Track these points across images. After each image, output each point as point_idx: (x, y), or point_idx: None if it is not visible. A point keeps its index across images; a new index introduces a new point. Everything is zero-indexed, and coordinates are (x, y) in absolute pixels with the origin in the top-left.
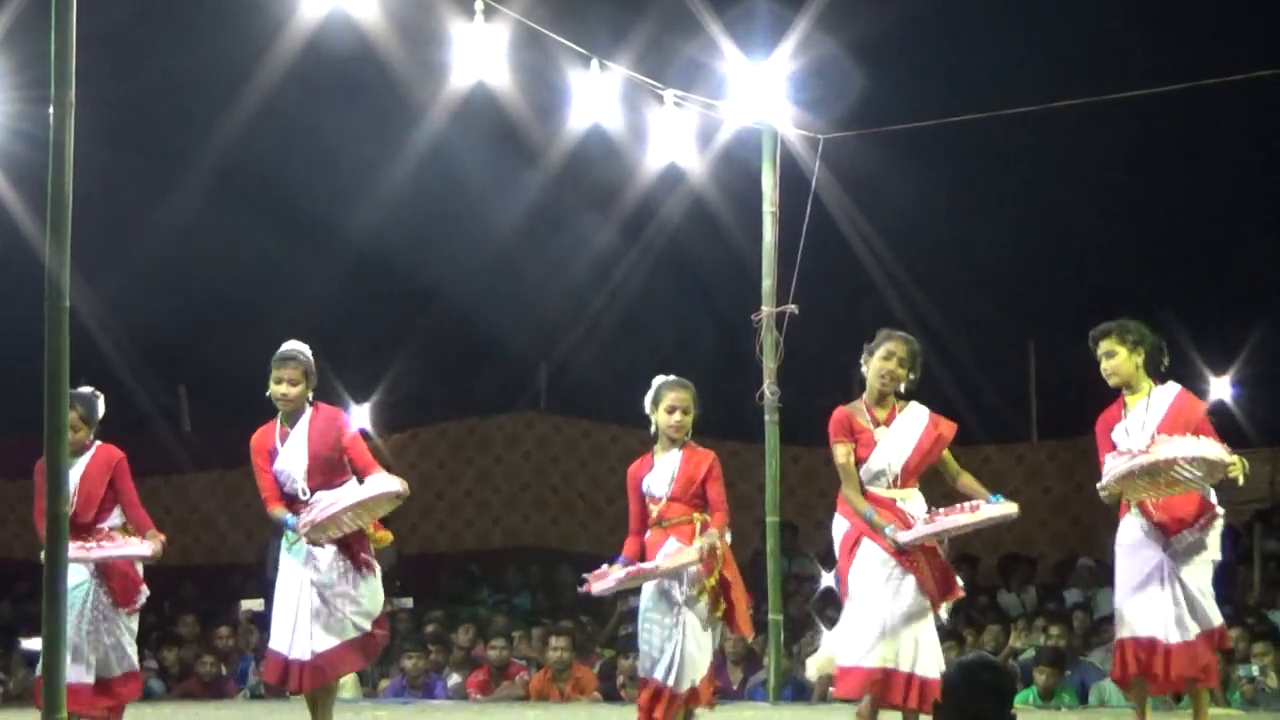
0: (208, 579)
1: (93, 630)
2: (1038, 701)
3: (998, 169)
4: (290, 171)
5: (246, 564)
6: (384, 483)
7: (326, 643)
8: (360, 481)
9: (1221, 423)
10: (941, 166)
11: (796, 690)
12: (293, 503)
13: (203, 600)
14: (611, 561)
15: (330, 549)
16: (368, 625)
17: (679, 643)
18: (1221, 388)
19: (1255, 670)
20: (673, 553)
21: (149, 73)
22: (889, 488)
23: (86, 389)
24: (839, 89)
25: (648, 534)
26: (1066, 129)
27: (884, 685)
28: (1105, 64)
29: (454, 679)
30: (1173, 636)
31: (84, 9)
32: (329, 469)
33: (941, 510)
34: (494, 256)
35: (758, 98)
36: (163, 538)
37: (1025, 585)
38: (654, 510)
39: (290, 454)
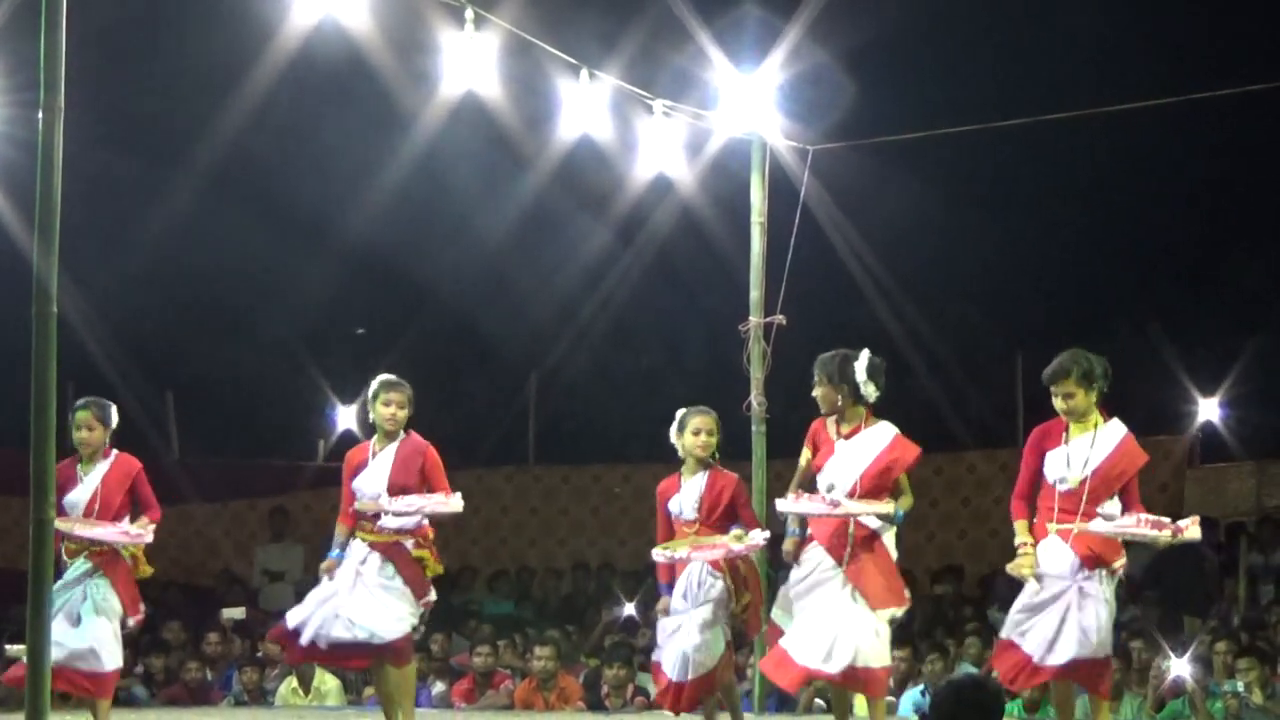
0: (194, 586)
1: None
2: (1023, 714)
3: (987, 181)
4: (281, 177)
5: (231, 572)
6: (454, 503)
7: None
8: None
9: (1207, 439)
10: (931, 178)
11: (780, 700)
12: (369, 519)
13: (189, 607)
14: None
15: (377, 558)
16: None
17: (685, 641)
18: (1210, 409)
19: (1240, 686)
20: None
21: (140, 77)
22: (846, 498)
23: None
24: (829, 100)
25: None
26: (1056, 142)
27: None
28: (1096, 77)
29: (438, 687)
30: (1048, 660)
31: (74, 13)
32: (404, 495)
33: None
34: (484, 265)
35: (747, 108)
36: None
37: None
38: (687, 533)
39: (373, 472)
